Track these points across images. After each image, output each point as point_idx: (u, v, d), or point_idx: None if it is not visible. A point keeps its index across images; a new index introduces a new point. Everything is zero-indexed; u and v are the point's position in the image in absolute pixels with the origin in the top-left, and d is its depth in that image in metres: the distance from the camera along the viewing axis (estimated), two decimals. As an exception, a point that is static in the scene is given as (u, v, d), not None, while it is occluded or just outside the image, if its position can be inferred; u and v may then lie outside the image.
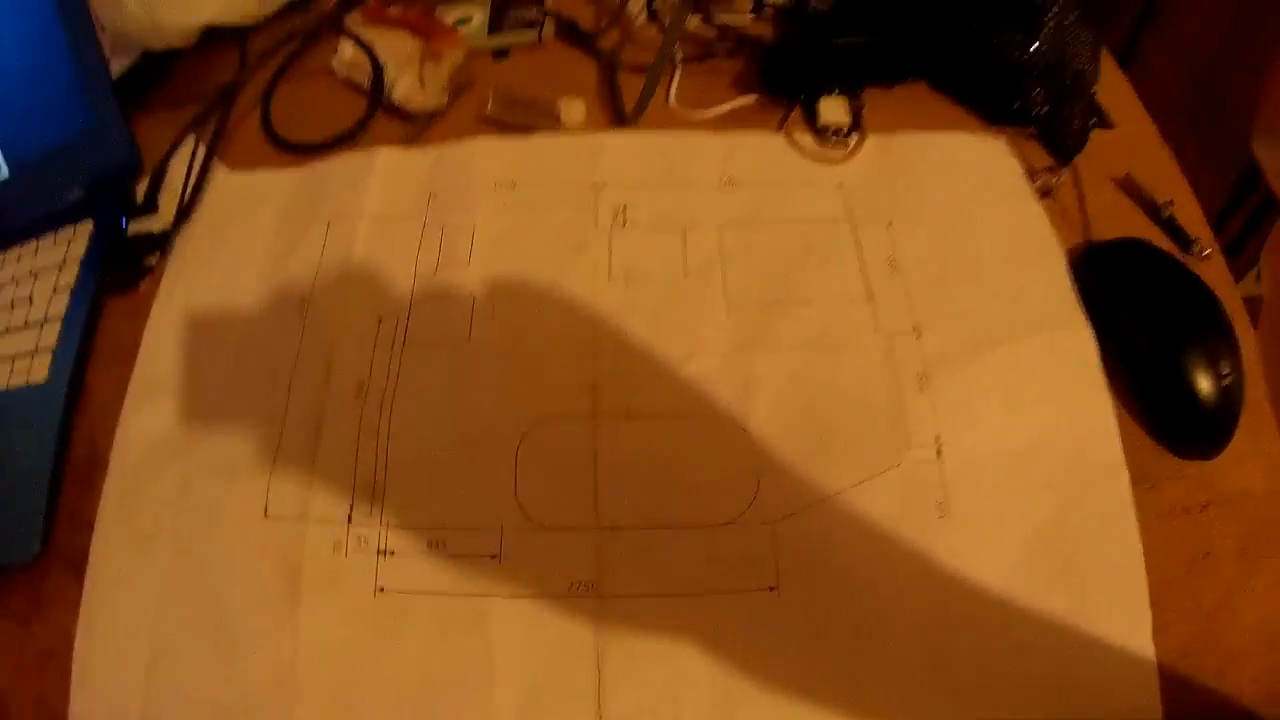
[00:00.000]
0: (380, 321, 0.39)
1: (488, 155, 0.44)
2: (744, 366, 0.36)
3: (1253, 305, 0.38)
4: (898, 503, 0.33)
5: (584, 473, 0.34)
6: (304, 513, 0.35)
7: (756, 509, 0.33)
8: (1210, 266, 0.40)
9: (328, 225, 0.42)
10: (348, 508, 0.35)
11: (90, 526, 0.38)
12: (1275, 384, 0.14)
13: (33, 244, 0.47)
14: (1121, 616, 0.32)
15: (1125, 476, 0.34)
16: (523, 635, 0.32)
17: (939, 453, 0.34)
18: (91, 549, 0.37)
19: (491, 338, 0.38)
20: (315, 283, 0.41)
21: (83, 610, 0.35)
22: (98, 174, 0.47)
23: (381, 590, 0.33)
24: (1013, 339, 0.37)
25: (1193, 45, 0.77)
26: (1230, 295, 0.39)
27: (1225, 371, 0.35)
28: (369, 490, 0.35)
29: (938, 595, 0.32)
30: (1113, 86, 0.46)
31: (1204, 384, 0.35)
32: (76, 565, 0.37)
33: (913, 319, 0.37)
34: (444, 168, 0.44)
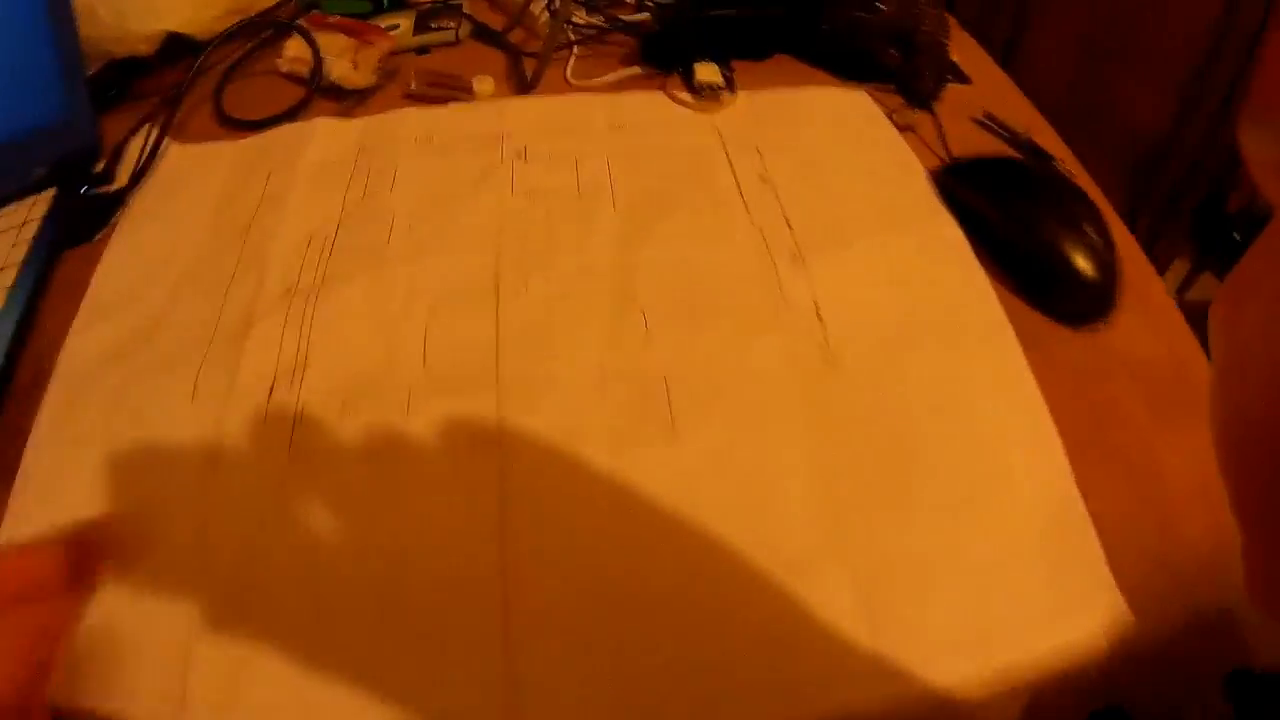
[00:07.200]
0: (310, 239, 0.44)
1: (411, 119, 0.51)
2: (631, 254, 0.42)
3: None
4: (780, 357, 0.38)
5: (487, 341, 0.39)
6: (230, 389, 0.38)
7: (648, 360, 0.38)
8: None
9: (269, 175, 0.48)
10: (270, 383, 0.38)
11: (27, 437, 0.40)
12: (1226, 454, 0.13)
13: (-4, 211, 0.51)
14: (1039, 465, 0.33)
15: (1010, 332, 0.37)
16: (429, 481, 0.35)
17: (819, 316, 0.39)
18: (24, 454, 0.38)
19: (407, 242, 0.43)
20: (256, 214, 0.46)
21: (10, 505, 0.36)
22: (62, 156, 0.52)
23: (294, 446, 0.36)
24: (882, 232, 0.43)
25: (1069, 44, 0.87)
26: (1096, 197, 0.43)
27: (1089, 233, 0.38)
28: (289, 369, 0.39)
29: (834, 436, 0.34)
30: (970, 53, 0.54)
31: (1070, 248, 0.38)
32: (8, 473, 0.38)
33: (783, 215, 0.43)
34: (373, 129, 0.50)
